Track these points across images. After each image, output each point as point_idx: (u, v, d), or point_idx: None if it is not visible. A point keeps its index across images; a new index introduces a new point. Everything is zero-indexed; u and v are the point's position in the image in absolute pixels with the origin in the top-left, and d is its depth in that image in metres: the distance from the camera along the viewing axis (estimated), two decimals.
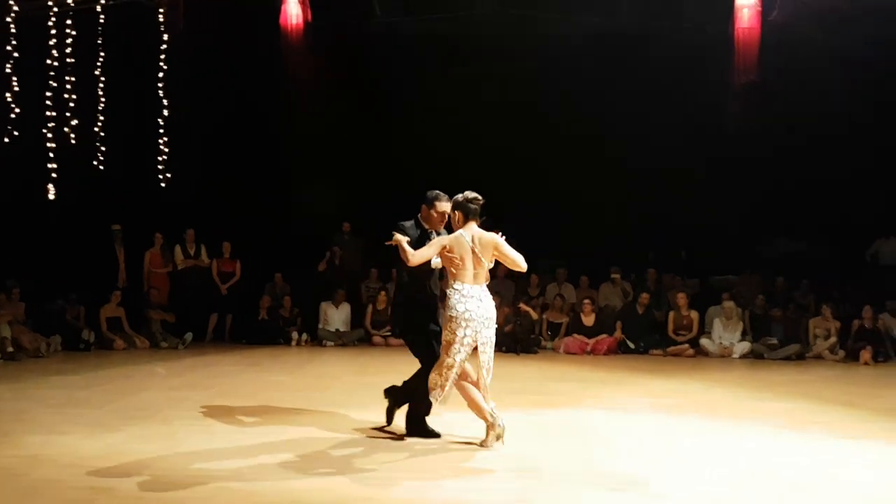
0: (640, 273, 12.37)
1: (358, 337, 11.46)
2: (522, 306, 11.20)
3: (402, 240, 4.91)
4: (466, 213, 5.01)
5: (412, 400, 5.22)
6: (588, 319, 11.13)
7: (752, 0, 10.92)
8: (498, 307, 11.07)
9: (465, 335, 4.82)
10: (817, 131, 11.96)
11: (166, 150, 10.45)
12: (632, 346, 10.99)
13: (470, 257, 4.91)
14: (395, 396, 5.39)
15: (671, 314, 11.21)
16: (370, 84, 12.74)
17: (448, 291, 4.92)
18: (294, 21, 11.64)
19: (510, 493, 3.99)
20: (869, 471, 4.52)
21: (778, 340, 10.71)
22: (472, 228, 4.98)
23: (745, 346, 10.69)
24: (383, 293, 11.59)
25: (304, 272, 12.29)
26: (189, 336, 10.86)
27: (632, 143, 12.17)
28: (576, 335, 11.00)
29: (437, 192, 5.24)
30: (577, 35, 11.74)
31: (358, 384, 7.66)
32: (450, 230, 5.12)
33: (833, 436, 5.48)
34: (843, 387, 8.22)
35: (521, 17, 11.79)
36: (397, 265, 5.16)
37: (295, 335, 11.30)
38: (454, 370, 4.83)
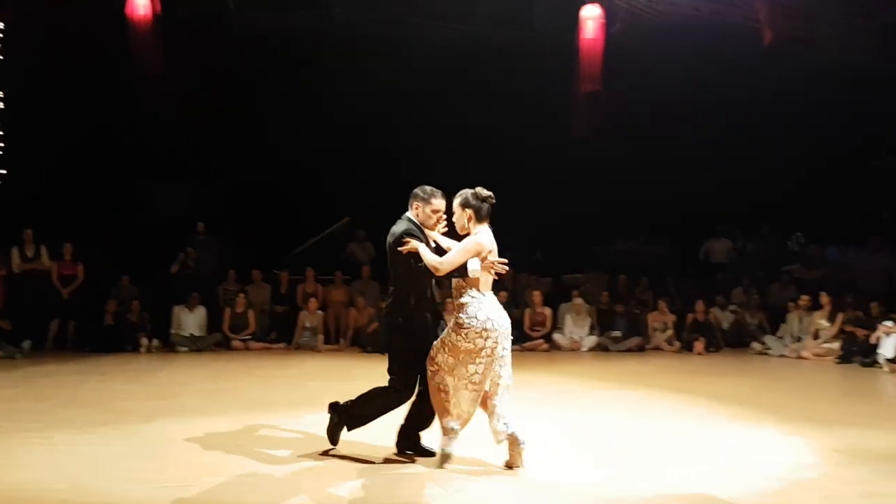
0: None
1: (215, 342, 11.05)
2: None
3: (420, 246, 4.41)
4: (479, 212, 4.48)
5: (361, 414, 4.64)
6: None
7: (597, 12, 11.58)
8: (363, 308, 11.35)
9: (484, 346, 4.31)
10: (656, 137, 12.93)
11: (0, 145, 9.61)
12: None
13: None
14: (340, 414, 4.70)
15: (527, 311, 11.68)
16: (223, 79, 12.40)
17: (464, 300, 4.38)
18: (141, 12, 11.08)
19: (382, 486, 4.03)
20: (697, 441, 4.99)
21: (621, 334, 11.47)
22: (487, 230, 4.49)
23: (592, 339, 11.34)
24: (242, 296, 11.29)
25: (154, 275, 11.72)
26: (27, 344, 10.02)
27: (483, 147, 12.63)
28: None
29: (430, 187, 4.69)
30: (429, 41, 11.93)
31: (214, 390, 7.41)
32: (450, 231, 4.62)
33: (670, 418, 5.98)
34: (679, 375, 8.96)
35: (376, 21, 11.86)
36: (397, 271, 4.56)
37: (144, 341, 10.70)
38: (479, 387, 4.34)
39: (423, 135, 12.89)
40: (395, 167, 12.89)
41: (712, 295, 12.18)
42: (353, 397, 4.66)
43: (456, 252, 4.40)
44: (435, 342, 4.45)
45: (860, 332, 10.01)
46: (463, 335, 4.30)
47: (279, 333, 11.34)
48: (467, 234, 4.51)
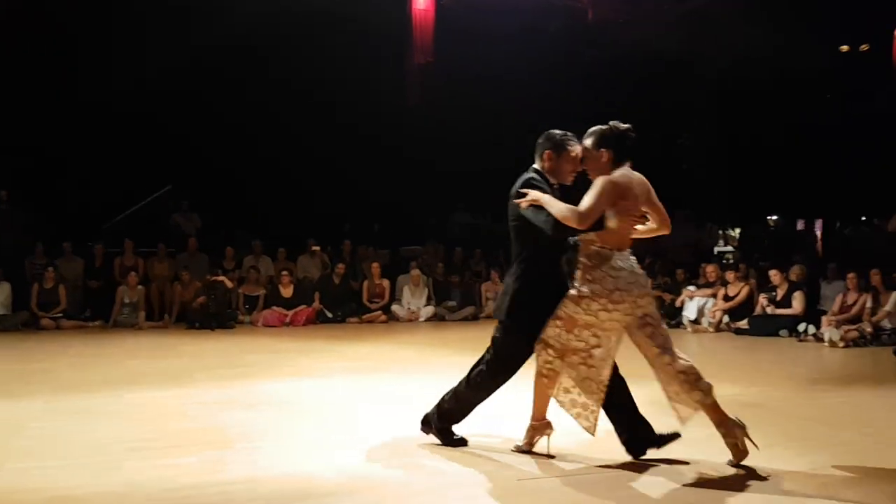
0: (337, 244, 12.71)
1: (22, 321, 10.08)
2: (219, 278, 10.77)
3: (543, 196, 3.59)
4: (620, 150, 3.65)
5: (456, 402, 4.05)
6: (286, 291, 11.12)
7: None
8: (188, 282, 10.80)
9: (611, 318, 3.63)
10: (487, 109, 13.32)
11: None
12: (329, 315, 11.25)
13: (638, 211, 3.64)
14: (433, 421, 4.11)
15: (365, 283, 11.69)
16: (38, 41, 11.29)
17: (592, 262, 3.62)
18: None
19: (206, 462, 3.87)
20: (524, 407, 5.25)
21: (456, 303, 11.80)
22: (630, 171, 3.68)
23: (429, 310, 11.58)
24: (51, 270, 10.37)
25: None
26: None
27: (318, 120, 12.43)
28: (274, 308, 10.92)
29: (562, 131, 3.90)
30: (262, 11, 11.51)
31: (22, 372, 6.75)
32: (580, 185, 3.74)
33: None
34: None
35: None
36: (522, 236, 3.81)
37: None
38: (605, 368, 3.75)
39: (249, 103, 12.43)
40: (224, 134, 12.38)
41: None
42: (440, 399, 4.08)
43: (592, 196, 3.50)
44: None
45: (668, 297, 10.98)
46: (582, 307, 3.59)
47: (94, 310, 10.55)
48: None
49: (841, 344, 8.12)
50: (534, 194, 3.63)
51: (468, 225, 14.40)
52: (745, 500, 3.25)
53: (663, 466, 3.73)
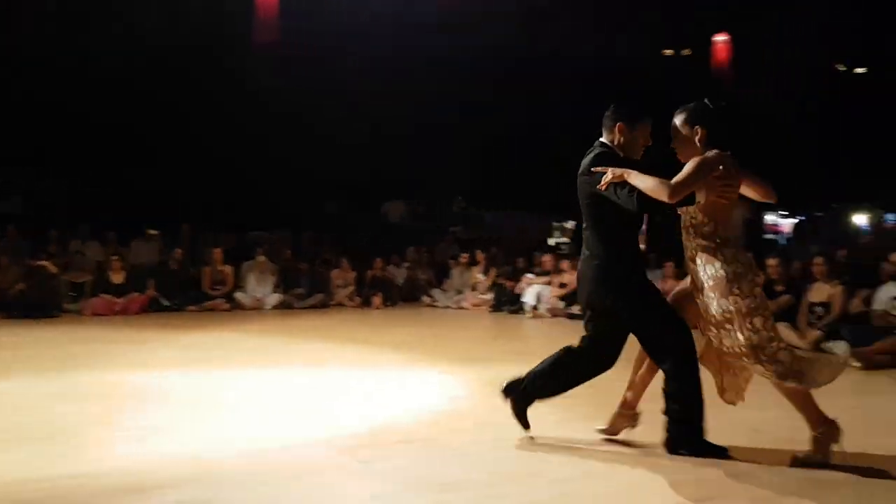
0: (175, 228, 12.13)
1: None
2: (41, 263, 9.93)
3: (629, 172, 3.37)
4: (717, 129, 3.47)
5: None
6: (117, 277, 10.47)
7: None
8: (6, 267, 9.88)
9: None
10: (341, 96, 13.25)
11: None
12: (166, 303, 10.74)
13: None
14: (517, 393, 3.94)
15: (206, 269, 11.26)
16: None
17: (713, 243, 3.43)
18: None
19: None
20: (375, 382, 5.36)
21: (305, 291, 11.68)
22: (721, 152, 3.47)
23: (276, 297, 11.37)
24: None
25: None
26: None
27: (169, 103, 11.83)
28: (103, 295, 10.25)
29: (630, 103, 3.70)
30: None
31: None
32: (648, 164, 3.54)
33: (346, 366, 6.31)
34: (359, 327, 9.44)
35: None
36: (596, 214, 3.62)
37: None
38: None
39: (86, 80, 11.59)
40: (53, 109, 11.46)
41: (389, 253, 12.98)
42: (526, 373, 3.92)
43: (691, 170, 3.34)
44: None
45: (509, 284, 11.50)
46: (735, 289, 3.38)
47: None
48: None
49: None
50: (616, 170, 3.43)
51: (319, 210, 14.29)
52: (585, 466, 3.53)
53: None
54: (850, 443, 3.52)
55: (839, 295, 7.30)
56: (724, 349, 3.45)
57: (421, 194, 15.32)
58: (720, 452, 3.54)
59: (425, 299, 12.28)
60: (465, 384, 5.54)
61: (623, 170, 3.42)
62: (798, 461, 3.47)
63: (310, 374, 5.99)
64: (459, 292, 12.15)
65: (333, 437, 4.04)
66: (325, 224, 13.81)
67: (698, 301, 3.53)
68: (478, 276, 12.03)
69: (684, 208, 3.51)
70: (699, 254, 3.48)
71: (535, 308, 10.61)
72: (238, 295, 11.22)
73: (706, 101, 3.57)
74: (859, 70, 13.97)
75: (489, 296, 11.66)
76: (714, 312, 3.43)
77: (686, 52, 14.04)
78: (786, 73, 11.90)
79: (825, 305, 7.39)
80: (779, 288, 7.83)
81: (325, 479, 3.38)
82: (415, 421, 4.42)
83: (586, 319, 3.85)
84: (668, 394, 3.62)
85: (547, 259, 11.38)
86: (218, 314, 10.63)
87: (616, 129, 3.68)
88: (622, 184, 3.40)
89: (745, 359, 3.39)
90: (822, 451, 3.45)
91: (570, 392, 5.11)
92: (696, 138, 3.52)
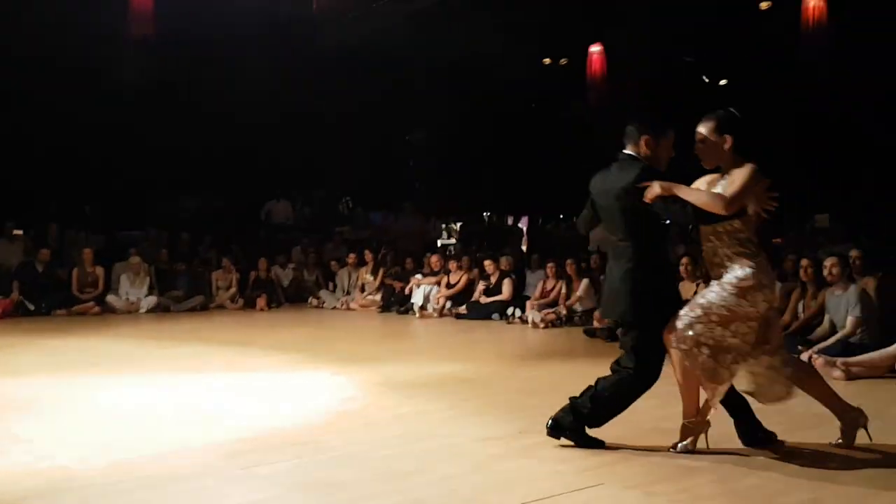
0: (41, 228, 11.36)
1: None
2: None
3: (677, 186, 3.43)
4: (743, 138, 3.55)
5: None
6: None
7: None
8: None
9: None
10: (223, 94, 12.83)
11: None
12: (31, 307, 10.04)
13: None
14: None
15: (75, 271, 10.62)
16: None
17: (745, 249, 3.50)
18: None
19: None
20: (260, 385, 5.24)
21: (183, 293, 11.23)
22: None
23: (151, 300, 10.87)
24: None
25: None
26: None
27: (34, 97, 11.07)
28: None
29: (653, 115, 3.81)
30: None
31: None
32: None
33: (228, 370, 6.13)
34: (243, 329, 9.19)
35: None
36: (632, 225, 3.61)
37: None
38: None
39: None
40: None
41: (273, 254, 12.70)
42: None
43: (745, 180, 3.41)
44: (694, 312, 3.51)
45: (397, 285, 11.52)
46: (749, 299, 3.47)
47: None
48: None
49: (542, 325, 9.19)
50: (664, 184, 3.47)
51: (197, 209, 13.76)
52: (455, 465, 3.59)
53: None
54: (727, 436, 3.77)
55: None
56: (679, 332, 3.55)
57: (307, 194, 15.09)
58: (598, 444, 3.74)
59: (312, 301, 12.10)
60: (354, 385, 5.51)
61: (670, 184, 3.48)
62: (839, 444, 3.69)
63: (189, 379, 5.77)
64: (347, 293, 12.07)
65: (214, 442, 3.91)
66: (206, 223, 13.32)
67: (698, 289, 3.69)
68: (366, 276, 11.99)
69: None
70: (735, 258, 3.54)
71: (423, 308, 10.69)
72: (110, 298, 10.65)
73: (732, 110, 3.66)
74: (722, 81, 14.98)
75: (377, 296, 11.64)
76: (713, 301, 3.52)
77: (563, 61, 14.58)
78: (653, 85, 12.50)
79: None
80: None
81: (202, 484, 3.27)
82: (301, 423, 4.35)
83: (622, 334, 3.80)
84: (597, 392, 3.69)
85: (435, 259, 11.49)
86: (88, 318, 10.05)
87: (642, 142, 3.70)
88: (672, 198, 3.46)
89: (686, 346, 3.51)
90: (850, 433, 3.68)
91: (453, 391, 5.22)
92: (725, 146, 3.58)
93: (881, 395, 4.93)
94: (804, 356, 5.77)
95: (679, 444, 3.68)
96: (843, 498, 3.11)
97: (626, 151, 3.73)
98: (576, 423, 3.71)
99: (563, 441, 3.78)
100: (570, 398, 3.75)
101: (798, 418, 4.04)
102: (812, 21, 10.39)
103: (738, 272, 3.51)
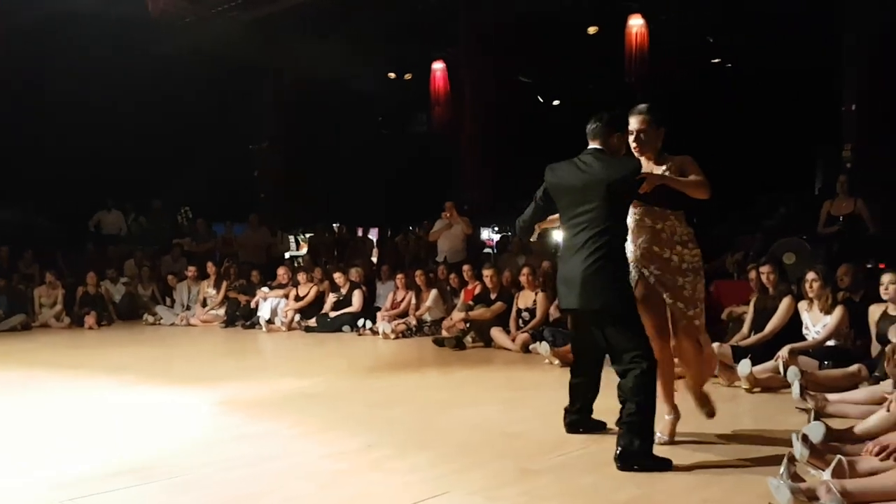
0: None
1: None
2: None
3: (667, 176, 3.81)
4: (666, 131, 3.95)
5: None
6: None
7: None
8: None
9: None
10: (34, 99, 11.89)
11: None
12: None
13: None
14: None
15: None
16: None
17: (686, 232, 3.91)
18: None
19: None
20: (85, 423, 4.87)
21: (2, 312, 10.23)
22: None
23: None
24: None
25: None
26: None
27: None
28: None
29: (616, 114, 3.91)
30: None
31: None
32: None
33: (54, 396, 5.66)
34: (70, 350, 8.50)
35: None
36: (614, 211, 3.73)
37: None
38: None
39: None
40: None
41: (103, 267, 11.85)
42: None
43: (697, 166, 3.86)
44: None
45: (243, 298, 11.14)
46: (697, 281, 3.93)
47: None
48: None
49: (392, 336, 9.23)
50: (653, 175, 3.78)
51: (14, 222, 12.57)
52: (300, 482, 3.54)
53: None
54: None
55: (542, 301, 8.18)
56: (687, 316, 3.90)
57: (143, 204, 14.24)
58: (667, 463, 3.66)
59: (147, 317, 11.39)
60: (195, 406, 5.26)
61: (658, 175, 3.81)
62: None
63: (9, 406, 5.26)
64: (188, 308, 11.50)
65: (40, 474, 3.60)
66: (23, 236, 12.20)
67: (668, 280, 3.87)
68: (208, 290, 11.49)
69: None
70: (680, 243, 3.90)
71: (270, 322, 10.40)
72: None
73: (655, 105, 3.98)
74: (556, 102, 15.83)
75: (221, 311, 11.19)
76: (689, 289, 3.89)
77: (408, 76, 14.80)
78: (487, 104, 12.90)
79: (531, 311, 8.24)
80: (493, 296, 8.60)
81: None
82: (138, 449, 4.10)
83: (577, 326, 4.15)
84: (637, 401, 3.62)
85: (283, 272, 11.23)
86: None
87: (613, 138, 3.89)
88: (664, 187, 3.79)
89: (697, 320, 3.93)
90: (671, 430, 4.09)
91: (301, 407, 5.12)
92: (660, 137, 3.94)
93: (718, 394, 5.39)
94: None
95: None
96: (669, 492, 3.37)
97: (593, 146, 3.89)
98: (646, 445, 3.62)
99: (414, 453, 3.82)
100: (619, 423, 3.67)
101: None
102: (635, 46, 11.28)
103: (686, 258, 3.91)
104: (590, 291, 3.73)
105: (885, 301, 5.49)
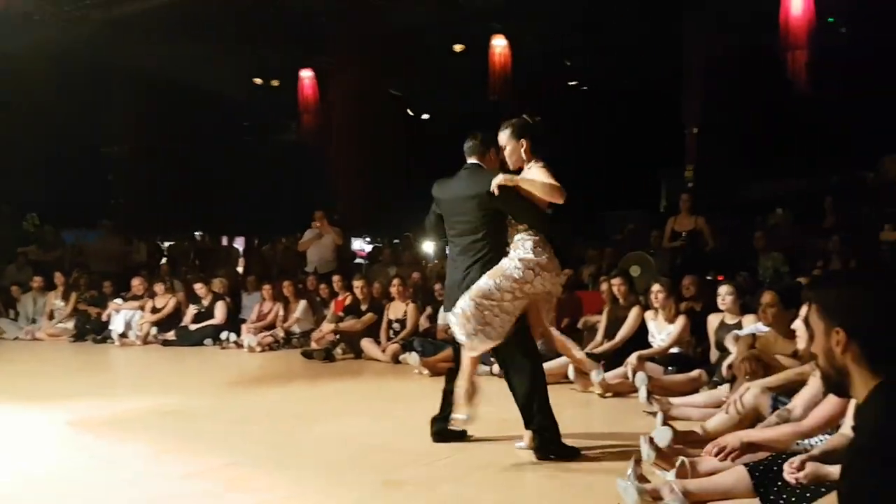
0: None
1: None
2: None
3: (523, 179, 3.90)
4: (535, 140, 4.01)
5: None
6: None
7: None
8: None
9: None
10: None
11: None
12: None
13: None
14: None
15: None
16: None
17: (528, 239, 3.95)
18: None
19: None
20: None
21: None
22: None
23: None
24: None
25: None
26: None
27: None
28: None
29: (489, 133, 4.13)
30: None
31: None
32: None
33: None
34: None
35: None
36: (492, 222, 3.99)
37: None
38: None
39: None
40: None
41: None
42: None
43: (550, 173, 3.89)
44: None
45: (94, 311, 10.48)
46: (526, 282, 3.91)
47: None
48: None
49: (258, 349, 8.99)
50: (507, 177, 3.86)
51: None
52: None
53: None
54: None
55: (412, 312, 8.28)
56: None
57: None
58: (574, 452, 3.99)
59: None
60: (39, 427, 4.91)
61: (507, 176, 3.90)
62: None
63: None
64: (33, 321, 10.67)
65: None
66: None
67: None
68: (56, 302, 10.71)
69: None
70: (532, 247, 3.98)
71: (124, 336, 9.85)
72: None
73: (525, 116, 4.10)
74: (425, 116, 16.12)
75: (70, 324, 10.46)
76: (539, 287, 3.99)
77: (275, 83, 14.53)
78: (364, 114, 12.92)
79: (402, 322, 8.32)
80: (363, 307, 8.59)
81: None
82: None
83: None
84: (537, 399, 3.96)
85: (138, 283, 10.65)
86: None
87: (491, 153, 4.13)
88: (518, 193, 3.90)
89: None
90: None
91: (160, 424, 4.92)
92: (524, 149, 4.02)
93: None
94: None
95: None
96: (526, 497, 3.53)
97: (472, 162, 4.14)
98: (553, 436, 3.98)
99: (276, 471, 3.76)
100: (531, 427, 3.99)
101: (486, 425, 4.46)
102: (498, 66, 11.70)
103: (531, 255, 3.98)
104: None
105: (722, 311, 5.93)
